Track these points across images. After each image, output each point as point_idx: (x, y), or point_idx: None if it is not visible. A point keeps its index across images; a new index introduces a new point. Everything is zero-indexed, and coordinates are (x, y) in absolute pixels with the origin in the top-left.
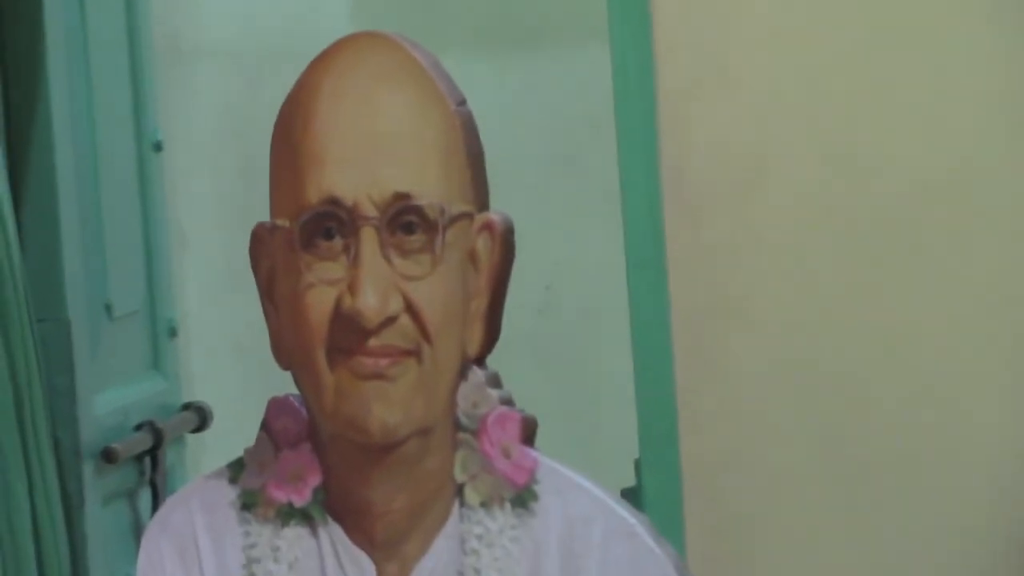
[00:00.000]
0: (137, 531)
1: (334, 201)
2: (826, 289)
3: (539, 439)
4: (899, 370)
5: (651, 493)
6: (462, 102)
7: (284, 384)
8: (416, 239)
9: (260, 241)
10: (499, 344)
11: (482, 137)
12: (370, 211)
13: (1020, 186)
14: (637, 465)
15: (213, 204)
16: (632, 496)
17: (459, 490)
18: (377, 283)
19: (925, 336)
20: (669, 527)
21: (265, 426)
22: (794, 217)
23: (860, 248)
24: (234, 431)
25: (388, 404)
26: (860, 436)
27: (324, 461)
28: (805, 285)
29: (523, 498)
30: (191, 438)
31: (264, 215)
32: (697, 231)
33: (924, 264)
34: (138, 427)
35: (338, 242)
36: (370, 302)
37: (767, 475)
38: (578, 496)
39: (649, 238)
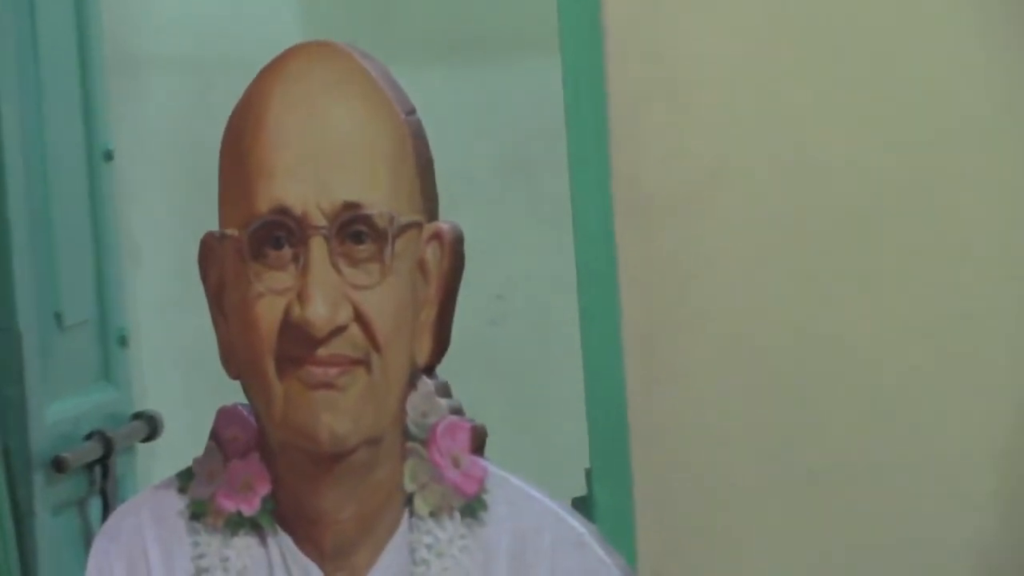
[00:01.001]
0: (87, 540)
1: (283, 210)
2: (780, 299)
3: (490, 448)
4: (855, 380)
5: (602, 503)
6: (412, 111)
7: (234, 394)
8: (365, 248)
9: (209, 250)
10: (451, 354)
11: (434, 147)
12: (319, 220)
13: (974, 195)
14: (588, 475)
15: (164, 213)
16: (583, 506)
17: (409, 500)
18: (326, 292)
19: (881, 346)
20: (620, 537)
21: (214, 435)
22: (748, 227)
23: (815, 257)
24: (184, 440)
25: (337, 413)
26: (814, 446)
27: (273, 471)
28: (759, 295)
29: (473, 508)
30: (141, 447)
31: (214, 224)
32: (649, 241)
33: (879, 273)
34: (88, 436)
35: (287, 251)
36: (319, 311)
37: (719, 485)
38: (528, 506)
39: (600, 248)
